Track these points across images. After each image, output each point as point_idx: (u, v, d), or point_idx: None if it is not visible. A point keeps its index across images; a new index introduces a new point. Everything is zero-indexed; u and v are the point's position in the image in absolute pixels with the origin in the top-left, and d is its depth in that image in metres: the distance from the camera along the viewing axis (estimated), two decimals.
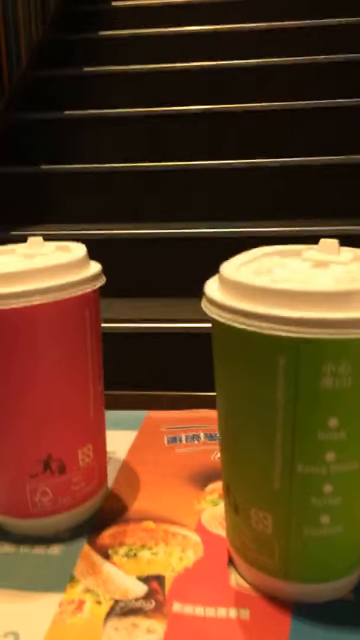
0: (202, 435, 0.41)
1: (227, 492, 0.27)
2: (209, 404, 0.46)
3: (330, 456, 0.23)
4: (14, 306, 0.27)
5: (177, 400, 0.48)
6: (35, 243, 0.33)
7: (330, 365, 0.22)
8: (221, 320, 0.23)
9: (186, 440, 0.41)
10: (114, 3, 2.20)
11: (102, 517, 0.32)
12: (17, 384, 0.28)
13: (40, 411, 0.29)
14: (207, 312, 0.24)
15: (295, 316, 0.21)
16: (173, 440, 0.41)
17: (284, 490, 0.24)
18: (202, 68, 1.81)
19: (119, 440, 0.41)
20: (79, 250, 0.32)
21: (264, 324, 0.22)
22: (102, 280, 0.31)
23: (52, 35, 2.19)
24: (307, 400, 0.22)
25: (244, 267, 0.26)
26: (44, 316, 0.28)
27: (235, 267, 0.25)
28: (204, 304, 0.25)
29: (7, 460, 0.30)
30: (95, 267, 0.31)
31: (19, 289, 0.27)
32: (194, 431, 0.42)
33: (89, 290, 0.30)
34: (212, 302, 0.24)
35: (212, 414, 0.45)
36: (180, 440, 0.41)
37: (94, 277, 0.30)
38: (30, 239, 0.33)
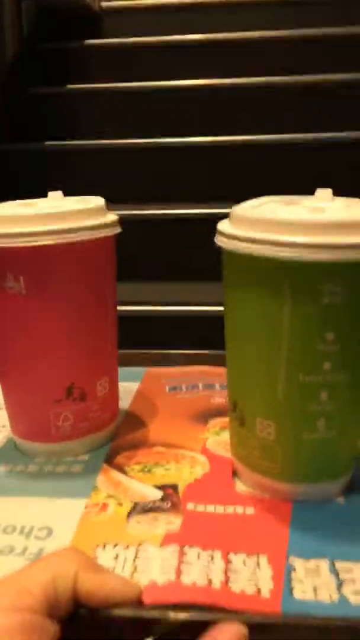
0: (200, 385, 0.45)
1: (234, 409, 0.31)
2: (203, 361, 0.49)
3: (327, 366, 0.27)
4: (47, 242, 0.30)
5: (173, 357, 0.52)
6: (55, 197, 0.36)
7: (328, 285, 0.25)
8: (232, 248, 0.27)
9: (186, 389, 0.45)
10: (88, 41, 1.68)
11: (117, 444, 0.36)
12: (46, 319, 0.32)
13: (67, 345, 0.32)
14: (220, 244, 0.28)
15: (299, 241, 0.25)
16: (174, 388, 0.45)
17: (287, 398, 0.27)
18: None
19: (124, 390, 0.44)
20: (98, 201, 0.35)
21: (272, 248, 0.25)
22: (118, 228, 0.34)
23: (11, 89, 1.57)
24: (309, 315, 0.26)
25: (252, 209, 0.29)
26: (69, 255, 0.31)
27: (244, 209, 0.29)
28: (218, 238, 0.28)
29: (35, 387, 0.33)
30: (112, 216, 0.35)
31: (48, 228, 0.30)
32: (193, 382, 0.46)
33: (109, 234, 0.33)
34: (224, 234, 0.27)
35: (208, 369, 0.49)
36: (181, 389, 0.45)
37: (114, 223, 0.33)
38: (51, 194, 0.36)
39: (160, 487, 0.31)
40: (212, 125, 1.44)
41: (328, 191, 0.30)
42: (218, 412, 0.40)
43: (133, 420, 0.39)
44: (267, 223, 0.26)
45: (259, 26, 1.60)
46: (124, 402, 0.42)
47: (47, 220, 0.31)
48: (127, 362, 0.51)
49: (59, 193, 0.36)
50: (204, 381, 0.46)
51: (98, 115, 1.56)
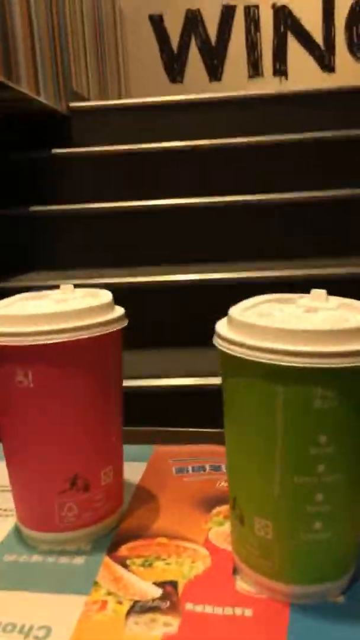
0: (207, 466, 0.45)
1: (234, 506, 0.31)
2: (211, 439, 0.50)
3: (321, 468, 0.27)
4: (55, 341, 0.32)
5: (182, 435, 0.53)
6: (66, 289, 0.38)
7: (319, 390, 0.26)
8: (230, 352, 0.28)
9: (193, 470, 0.45)
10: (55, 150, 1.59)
11: (119, 534, 0.36)
12: (52, 412, 0.33)
13: (71, 436, 0.33)
14: (218, 346, 0.29)
15: (289, 349, 0.26)
16: (180, 470, 0.45)
17: (282, 498, 0.28)
18: None
19: (130, 471, 0.45)
20: (106, 296, 0.37)
21: (265, 355, 0.27)
22: (125, 322, 0.36)
23: None
24: (301, 420, 0.27)
25: (248, 310, 0.31)
26: (75, 351, 0.33)
27: (241, 311, 0.30)
28: (216, 340, 0.30)
29: (39, 479, 0.34)
30: (119, 310, 0.37)
31: (56, 327, 0.32)
32: (200, 463, 0.46)
33: (115, 329, 0.35)
34: (223, 338, 0.29)
35: (215, 448, 0.49)
36: (187, 471, 0.45)
37: (119, 318, 0.35)
38: (63, 286, 0.39)
39: (160, 584, 0.31)
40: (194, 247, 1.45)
41: (322, 292, 0.32)
42: (222, 499, 0.40)
43: (138, 507, 0.39)
44: (260, 329, 0.27)
45: (241, 127, 1.64)
46: (130, 485, 0.43)
47: (57, 319, 0.32)
48: (134, 439, 0.52)
49: (70, 286, 0.39)
50: (212, 462, 0.46)
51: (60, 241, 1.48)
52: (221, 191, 1.48)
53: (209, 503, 0.40)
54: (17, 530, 0.37)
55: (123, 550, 0.34)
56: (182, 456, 0.47)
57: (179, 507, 0.39)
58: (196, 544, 0.35)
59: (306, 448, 0.27)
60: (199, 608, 0.29)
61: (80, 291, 0.39)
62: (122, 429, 0.38)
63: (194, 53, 3.04)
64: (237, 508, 0.31)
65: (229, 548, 0.34)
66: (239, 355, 0.28)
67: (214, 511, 0.38)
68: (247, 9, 2.98)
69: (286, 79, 2.99)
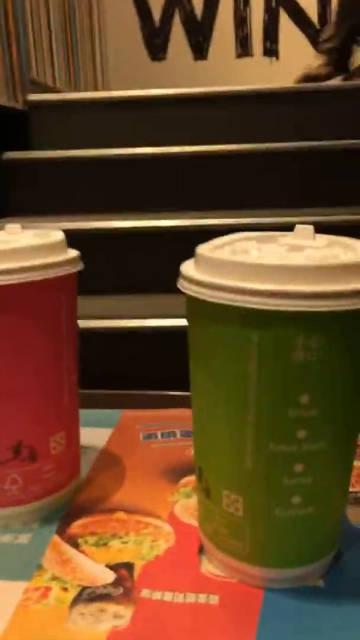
0: (178, 432, 0.41)
1: (199, 477, 0.27)
2: (184, 403, 0.46)
3: (301, 434, 0.23)
4: None
5: (152, 399, 0.48)
6: (12, 230, 0.33)
7: (301, 339, 0.22)
8: (194, 295, 0.23)
9: (162, 437, 0.41)
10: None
11: (73, 508, 0.32)
12: None
13: (13, 396, 0.29)
14: (182, 288, 0.24)
15: (267, 289, 0.21)
16: (149, 436, 0.41)
17: (255, 469, 0.23)
18: None
19: (94, 438, 0.41)
20: (57, 235, 0.32)
21: (237, 297, 0.22)
22: (80, 266, 0.31)
23: None
24: (279, 375, 0.22)
25: (219, 249, 0.26)
26: (17, 297, 0.28)
27: (211, 248, 0.25)
28: (180, 282, 0.25)
29: None
30: (72, 252, 0.31)
31: (1, 267, 0.27)
32: (170, 428, 0.42)
33: (64, 273, 0.29)
34: (187, 279, 0.24)
35: (188, 412, 0.44)
36: (156, 437, 0.41)
37: (71, 261, 0.30)
38: (7, 226, 0.33)
39: (114, 567, 0.27)
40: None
41: (309, 228, 0.27)
42: (191, 468, 0.35)
43: (96, 477, 0.35)
44: (233, 266, 0.22)
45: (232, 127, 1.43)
46: (92, 452, 0.38)
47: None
48: (100, 403, 0.47)
49: (17, 226, 0.33)
50: (181, 427, 0.42)
51: None
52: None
53: (177, 472, 0.35)
54: None
55: (75, 527, 0.30)
56: (152, 421, 0.43)
57: (143, 477, 0.35)
58: (159, 519, 0.30)
59: (284, 410, 0.22)
60: (156, 595, 0.25)
61: (30, 232, 0.33)
62: (77, 389, 0.33)
63: (177, 29, 2.73)
64: (203, 480, 0.26)
65: (196, 524, 0.30)
66: (203, 297, 0.23)
67: (182, 481, 0.34)
68: None
69: (277, 59, 2.69)
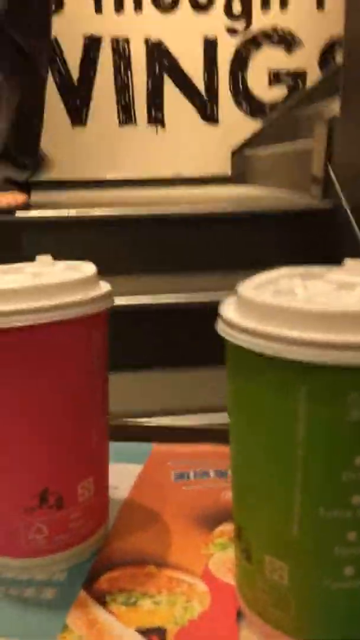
0: (211, 472, 0.39)
1: (239, 537, 0.24)
2: (218, 438, 0.43)
3: (356, 499, 0.20)
4: (11, 325, 0.25)
5: (185, 432, 0.46)
6: (44, 261, 0.32)
7: (356, 394, 0.19)
8: (237, 342, 0.21)
9: (194, 476, 0.39)
10: None
11: (101, 559, 0.30)
12: (13, 409, 0.26)
13: (39, 441, 0.27)
14: (223, 334, 0.22)
15: (320, 338, 0.19)
16: (180, 476, 0.39)
17: (303, 536, 0.21)
18: None
19: (123, 475, 0.39)
20: (89, 269, 0.30)
21: (284, 347, 0.20)
22: (111, 302, 0.29)
23: None
24: (331, 435, 0.20)
25: (262, 287, 0.24)
26: (46, 335, 0.26)
27: (253, 287, 0.23)
28: (220, 326, 0.23)
29: (0, 494, 0.28)
30: (104, 286, 0.30)
31: (19, 307, 0.25)
32: (203, 467, 0.40)
33: (96, 310, 0.28)
34: (229, 324, 0.22)
35: (222, 449, 0.42)
36: (188, 477, 0.38)
37: (102, 297, 0.28)
38: (40, 257, 0.32)
39: (145, 632, 0.25)
40: None
41: (356, 263, 0.25)
42: (227, 514, 0.33)
43: (125, 524, 0.33)
44: (277, 311, 0.20)
45: None
46: (120, 494, 0.36)
47: (22, 297, 0.26)
48: (131, 435, 0.46)
49: (49, 257, 0.32)
50: (216, 466, 0.40)
51: None
52: None
53: (211, 520, 0.33)
54: None
55: (103, 581, 0.28)
56: (184, 458, 0.41)
57: (175, 525, 0.33)
58: (192, 576, 0.28)
59: (337, 472, 0.20)
60: None
61: (61, 264, 0.32)
62: (107, 431, 0.31)
63: (52, 92, 2.31)
64: (243, 540, 0.24)
65: (234, 582, 0.27)
66: (246, 346, 0.21)
67: (217, 530, 0.32)
68: (115, 42, 2.35)
69: (162, 127, 2.46)
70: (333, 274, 0.25)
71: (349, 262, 0.25)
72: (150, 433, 0.46)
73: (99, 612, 0.26)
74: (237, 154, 2.42)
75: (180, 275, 1.25)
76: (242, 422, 0.23)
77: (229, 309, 0.23)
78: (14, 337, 0.26)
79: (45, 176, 2.29)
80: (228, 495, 0.36)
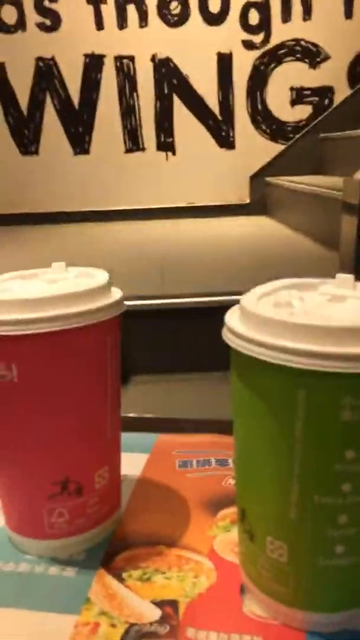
0: (213, 460, 0.42)
1: (242, 519, 0.28)
2: (220, 429, 0.46)
3: (346, 487, 0.23)
4: (37, 331, 0.28)
5: (187, 424, 0.49)
6: (59, 268, 0.34)
7: (349, 399, 0.22)
8: (243, 351, 0.24)
9: (197, 465, 0.42)
10: None
11: (116, 540, 0.33)
12: (39, 409, 0.29)
13: (61, 436, 0.30)
14: (229, 342, 0.25)
15: (316, 350, 0.22)
16: (184, 464, 0.42)
17: (300, 520, 0.24)
18: None
19: (131, 464, 0.42)
20: (102, 276, 0.33)
21: (285, 356, 0.22)
22: (123, 307, 0.32)
23: None
24: (325, 432, 0.23)
25: (263, 298, 0.27)
26: (63, 341, 0.29)
27: (256, 299, 0.26)
28: (225, 334, 0.25)
29: (25, 481, 0.30)
30: (116, 293, 0.32)
31: (43, 315, 0.28)
32: (205, 456, 0.43)
33: (111, 315, 0.30)
34: (234, 333, 0.25)
35: (222, 439, 0.46)
36: (191, 465, 0.42)
37: (116, 304, 0.31)
38: (54, 264, 0.34)
39: (159, 604, 0.28)
40: None
41: (350, 277, 0.28)
42: (228, 500, 0.36)
43: (136, 508, 0.36)
44: (279, 325, 0.23)
45: None
46: (130, 481, 0.39)
47: (44, 305, 0.28)
48: (137, 426, 0.49)
49: (62, 264, 0.34)
50: (217, 455, 0.43)
51: None
52: None
53: (214, 504, 0.36)
54: (5, 532, 0.34)
55: (119, 560, 0.31)
56: (187, 447, 0.44)
57: (181, 509, 0.36)
58: (199, 555, 0.31)
59: (330, 464, 0.23)
60: (201, 635, 0.26)
61: (75, 271, 0.34)
62: (120, 423, 0.34)
63: (51, 116, 2.20)
64: (247, 522, 0.27)
65: (236, 560, 0.30)
66: (249, 353, 0.23)
67: (220, 514, 0.35)
68: (119, 60, 2.13)
69: (173, 154, 2.24)
70: (326, 287, 0.28)
71: (340, 276, 0.28)
72: (155, 424, 0.49)
73: (117, 587, 0.29)
74: (256, 179, 2.17)
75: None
76: (243, 418, 0.26)
77: (233, 317, 0.26)
78: (41, 341, 0.28)
79: (41, 208, 2.11)
80: (229, 482, 0.39)
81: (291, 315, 0.24)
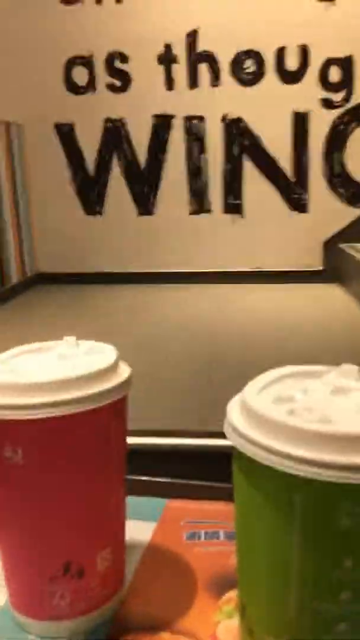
0: (221, 534, 0.41)
1: (243, 614, 0.27)
2: (230, 495, 0.46)
3: (344, 595, 0.23)
4: (39, 416, 0.28)
5: (198, 489, 0.48)
6: (70, 343, 0.35)
7: (347, 505, 0.22)
8: (240, 448, 0.24)
9: (205, 537, 0.41)
10: None
11: (117, 622, 0.32)
12: (42, 494, 0.29)
13: (65, 518, 0.30)
14: (229, 438, 0.25)
15: (313, 458, 0.22)
16: (192, 536, 0.41)
17: (298, 624, 0.24)
18: None
19: (137, 533, 0.41)
20: (110, 354, 0.33)
21: (281, 460, 0.22)
22: (129, 387, 0.32)
23: None
24: (323, 539, 0.22)
25: (265, 390, 0.27)
26: (68, 423, 0.29)
27: (257, 391, 0.26)
28: (226, 429, 0.26)
29: (28, 563, 0.31)
30: (124, 371, 0.33)
31: (53, 399, 0.28)
32: (214, 527, 0.42)
33: (118, 397, 0.31)
34: (234, 429, 0.25)
35: (230, 509, 0.45)
36: (200, 537, 0.41)
37: (123, 385, 0.31)
38: (66, 338, 0.35)
39: None
40: None
41: (354, 368, 0.28)
42: (233, 580, 0.36)
43: (140, 588, 0.35)
44: (277, 425, 0.23)
45: None
46: (135, 552, 0.39)
47: (50, 390, 0.29)
48: (146, 490, 0.48)
49: (73, 339, 0.35)
50: (226, 527, 0.42)
51: None
52: None
53: (220, 585, 0.35)
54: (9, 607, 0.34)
55: None
56: (196, 516, 0.43)
57: (186, 589, 0.35)
58: None
59: (328, 571, 0.23)
60: None
61: (85, 345, 0.35)
62: (125, 501, 0.34)
63: (116, 176, 2.19)
64: (246, 619, 0.27)
65: None
66: (245, 452, 0.23)
67: (224, 597, 0.34)
68: (188, 121, 2.11)
69: (241, 217, 2.16)
70: (330, 376, 0.28)
71: (344, 366, 0.28)
72: (164, 488, 0.48)
73: None
74: (331, 244, 2.07)
75: None
76: (244, 516, 0.26)
77: (234, 409, 0.26)
78: (45, 424, 0.29)
79: (108, 268, 2.04)
80: (234, 559, 0.38)
81: (291, 413, 0.24)
